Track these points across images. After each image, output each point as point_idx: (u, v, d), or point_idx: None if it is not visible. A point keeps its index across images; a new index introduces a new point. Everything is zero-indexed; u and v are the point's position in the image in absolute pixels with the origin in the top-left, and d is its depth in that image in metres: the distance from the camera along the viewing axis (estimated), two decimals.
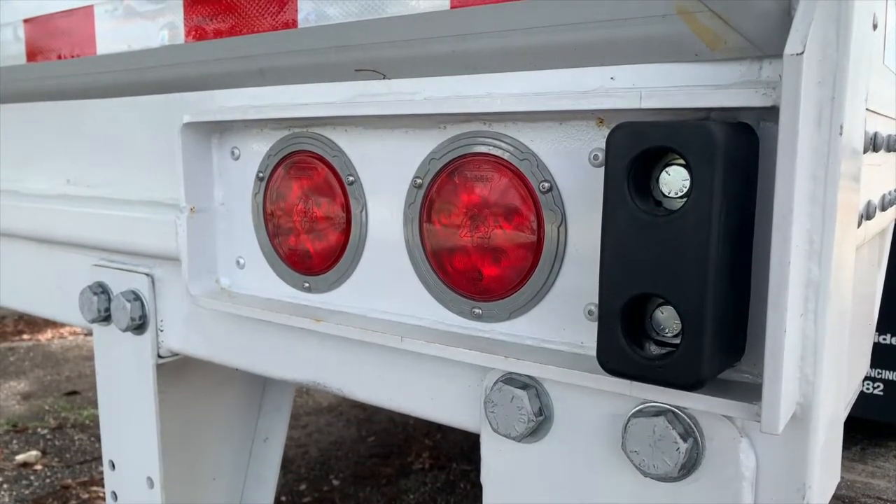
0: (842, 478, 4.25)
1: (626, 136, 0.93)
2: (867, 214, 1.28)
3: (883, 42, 1.25)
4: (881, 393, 4.35)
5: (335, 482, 4.27)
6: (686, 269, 0.91)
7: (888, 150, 1.44)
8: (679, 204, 0.93)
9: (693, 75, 1.02)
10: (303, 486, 4.22)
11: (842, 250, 1.00)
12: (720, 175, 0.88)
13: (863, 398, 4.36)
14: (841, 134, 0.92)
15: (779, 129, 0.86)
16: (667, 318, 1.00)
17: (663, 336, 1.01)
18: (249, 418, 2.15)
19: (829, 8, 0.91)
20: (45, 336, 7.27)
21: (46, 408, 5.37)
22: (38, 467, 4.41)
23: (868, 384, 4.39)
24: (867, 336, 1.71)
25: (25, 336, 7.24)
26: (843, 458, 4.10)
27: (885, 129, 1.36)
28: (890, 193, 1.54)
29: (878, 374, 4.35)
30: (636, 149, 0.92)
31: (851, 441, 4.70)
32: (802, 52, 0.83)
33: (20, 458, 4.48)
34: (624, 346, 0.97)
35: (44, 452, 4.60)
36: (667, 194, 0.97)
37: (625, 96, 1.01)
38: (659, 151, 0.93)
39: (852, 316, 1.27)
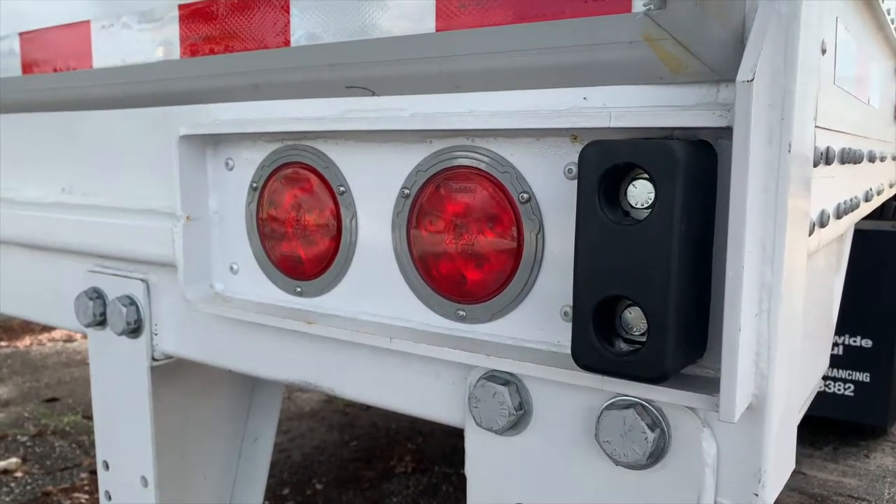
0: (814, 476, 4.39)
1: (596, 153, 1.03)
2: (821, 222, 1.39)
3: (833, 64, 1.35)
4: (852, 394, 4.47)
5: (318, 486, 4.32)
6: (651, 273, 1.00)
7: (842, 162, 1.55)
8: (645, 214, 1.03)
9: (658, 96, 1.12)
10: (286, 491, 4.26)
11: (793, 255, 1.10)
12: (681, 188, 0.98)
13: (834, 399, 4.48)
14: (790, 151, 1.03)
15: (732, 147, 0.96)
16: (635, 318, 1.10)
17: (631, 334, 1.10)
18: (239, 419, 2.22)
19: (777, 38, 1.01)
20: (24, 343, 7.24)
21: (26, 415, 5.36)
22: (19, 474, 4.41)
23: (839, 385, 4.51)
24: (825, 337, 1.82)
25: (3, 343, 7.20)
26: (815, 457, 4.20)
27: (837, 143, 1.47)
28: (845, 203, 1.65)
29: (849, 375, 4.48)
30: (605, 164, 1.02)
31: (824, 441, 4.83)
32: (752, 80, 0.93)
33: (0, 465, 4.48)
34: (595, 343, 1.06)
35: (24, 459, 4.60)
36: (634, 205, 1.06)
37: (596, 116, 1.11)
38: (626, 167, 1.03)
39: (807, 317, 1.37)
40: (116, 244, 1.82)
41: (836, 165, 1.48)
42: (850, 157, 1.62)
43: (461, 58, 1.27)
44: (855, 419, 4.61)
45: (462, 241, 1.32)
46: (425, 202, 1.36)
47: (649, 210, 1.02)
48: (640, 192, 1.05)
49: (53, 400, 5.66)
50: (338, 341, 1.48)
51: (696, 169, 1.02)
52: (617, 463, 1.16)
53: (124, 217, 1.81)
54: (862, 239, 4.25)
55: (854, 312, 4.35)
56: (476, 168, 1.30)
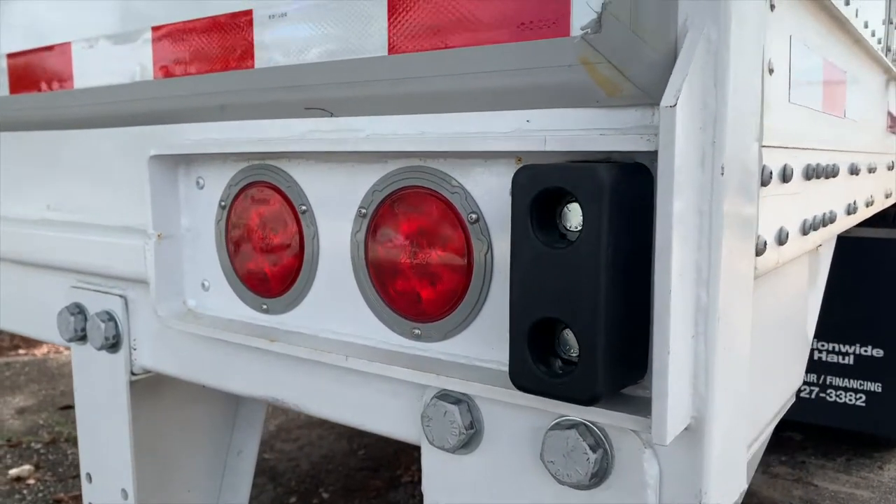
0: (826, 488, 4.34)
1: (526, 178, 1.04)
2: (779, 240, 1.38)
3: (787, 83, 1.35)
4: (863, 404, 4.41)
5: (325, 495, 4.34)
6: (580, 296, 1.01)
7: (807, 178, 1.54)
8: (577, 237, 1.03)
9: (596, 119, 1.12)
10: (293, 499, 4.29)
11: (733, 277, 1.10)
12: (607, 211, 0.98)
13: (845, 409, 4.43)
14: (723, 174, 1.03)
15: (658, 171, 0.96)
16: (572, 339, 1.10)
17: (569, 355, 1.11)
18: (224, 432, 2.25)
19: (706, 63, 1.01)
20: (41, 351, 7.36)
21: (41, 422, 5.44)
22: (31, 481, 4.48)
23: (850, 395, 4.46)
24: (797, 351, 1.80)
25: (21, 351, 7.33)
26: (828, 468, 4.15)
27: (798, 160, 1.46)
28: (815, 218, 1.64)
29: (861, 385, 4.42)
30: (535, 189, 1.03)
31: (836, 452, 4.77)
32: (675, 105, 0.94)
33: (13, 472, 4.55)
34: (530, 364, 1.07)
35: (37, 467, 4.67)
36: (568, 228, 1.07)
37: (533, 139, 1.12)
38: (558, 190, 1.03)
39: (761, 335, 1.37)
40: (96, 261, 1.86)
41: (798, 182, 1.47)
42: (818, 173, 1.61)
43: (412, 80, 1.29)
44: (867, 430, 4.55)
45: (416, 261, 1.34)
46: (381, 222, 1.38)
47: (579, 233, 1.02)
48: (574, 215, 1.06)
49: (68, 408, 5.74)
50: (301, 358, 1.50)
51: (628, 192, 1.02)
52: (561, 483, 1.16)
53: (104, 234, 1.85)
54: (872, 247, 4.22)
55: (865, 322, 4.31)
56: (428, 188, 1.32)
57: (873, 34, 2.07)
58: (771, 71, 1.23)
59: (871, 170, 2.39)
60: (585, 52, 1.10)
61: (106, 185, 1.88)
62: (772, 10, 1.22)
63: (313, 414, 1.56)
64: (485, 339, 1.29)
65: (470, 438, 1.28)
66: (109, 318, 1.83)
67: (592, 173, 0.98)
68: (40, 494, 4.31)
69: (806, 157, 1.53)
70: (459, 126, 1.28)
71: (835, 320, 4.35)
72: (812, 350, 4.51)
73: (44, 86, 1.94)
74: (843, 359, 4.48)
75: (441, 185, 1.30)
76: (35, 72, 1.97)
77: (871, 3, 2.06)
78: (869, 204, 2.41)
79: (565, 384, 1.04)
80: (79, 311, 1.90)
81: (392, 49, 1.31)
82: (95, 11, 1.82)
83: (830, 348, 4.52)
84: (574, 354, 1.10)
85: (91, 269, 1.88)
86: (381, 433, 1.46)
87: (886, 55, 2.34)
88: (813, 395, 4.54)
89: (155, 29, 1.66)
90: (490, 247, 1.26)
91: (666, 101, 0.95)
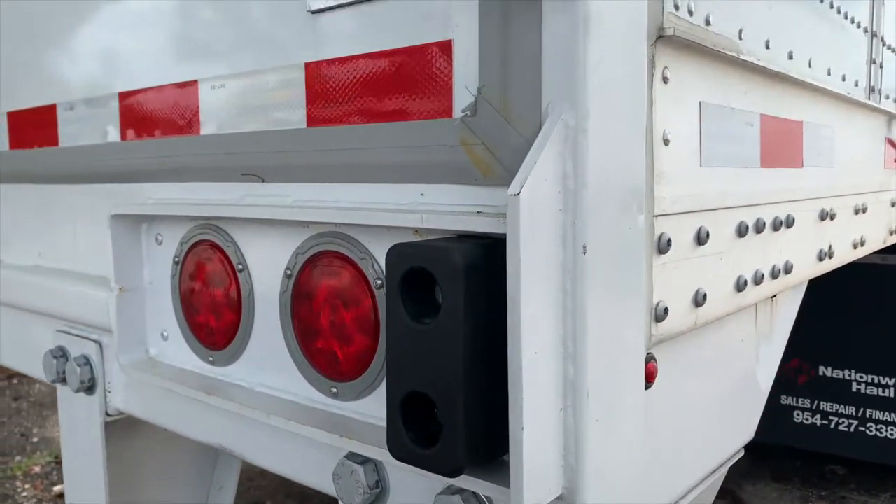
0: None
1: (395, 257, 1.08)
2: (696, 302, 1.39)
3: (697, 148, 1.36)
4: None
5: None
6: (440, 371, 1.05)
7: (741, 235, 1.54)
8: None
9: (480, 197, 1.16)
10: None
11: (610, 348, 1.12)
12: (462, 291, 1.02)
13: (887, 444, 4.28)
14: (585, 252, 1.05)
15: (506, 255, 1.00)
16: None
17: None
18: (207, 468, 2.34)
19: (564, 148, 1.04)
20: None
21: None
22: None
23: (892, 430, 4.32)
24: (742, 406, 1.78)
25: None
26: None
27: (727, 219, 1.47)
28: (757, 273, 1.63)
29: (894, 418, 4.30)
30: (403, 268, 1.07)
31: (881, 488, 4.60)
32: (518, 193, 0.97)
33: (57, 489, 4.76)
34: (402, 435, 1.11)
35: None
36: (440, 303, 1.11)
37: (410, 216, 1.17)
38: (423, 269, 1.07)
39: (681, 397, 1.38)
40: (73, 308, 1.98)
41: (724, 241, 1.47)
42: (759, 227, 1.60)
43: (325, 152, 1.36)
44: None
45: (333, 322, 1.39)
46: (303, 283, 1.44)
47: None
48: None
49: None
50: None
51: (491, 270, 1.05)
52: None
53: (81, 283, 1.97)
54: None
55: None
56: (341, 253, 1.38)
57: (844, 79, 2.03)
58: (666, 141, 1.25)
59: (860, 210, 2.33)
60: (464, 133, 1.15)
61: (83, 237, 2.01)
62: (665, 82, 1.23)
63: (254, 463, 1.63)
64: None
65: (376, 498, 1.33)
66: (86, 361, 1.94)
67: (447, 253, 1.02)
68: None
69: (738, 215, 1.53)
70: (370, 195, 1.33)
71: (874, 351, 4.22)
72: (850, 381, 4.39)
73: (35, 143, 2.09)
74: (884, 391, 4.34)
75: (352, 250, 1.36)
76: (29, 129, 2.12)
77: (840, 47, 2.03)
78: (858, 245, 2.36)
79: (430, 456, 1.08)
80: (62, 354, 2.02)
81: (310, 122, 1.38)
82: (77, 74, 1.96)
83: (870, 380, 4.38)
84: None
85: (70, 315, 2.01)
86: (310, 486, 1.51)
87: (870, 96, 2.29)
88: (852, 429, 4.41)
89: (122, 95, 1.78)
90: None
91: (512, 189, 0.98)
